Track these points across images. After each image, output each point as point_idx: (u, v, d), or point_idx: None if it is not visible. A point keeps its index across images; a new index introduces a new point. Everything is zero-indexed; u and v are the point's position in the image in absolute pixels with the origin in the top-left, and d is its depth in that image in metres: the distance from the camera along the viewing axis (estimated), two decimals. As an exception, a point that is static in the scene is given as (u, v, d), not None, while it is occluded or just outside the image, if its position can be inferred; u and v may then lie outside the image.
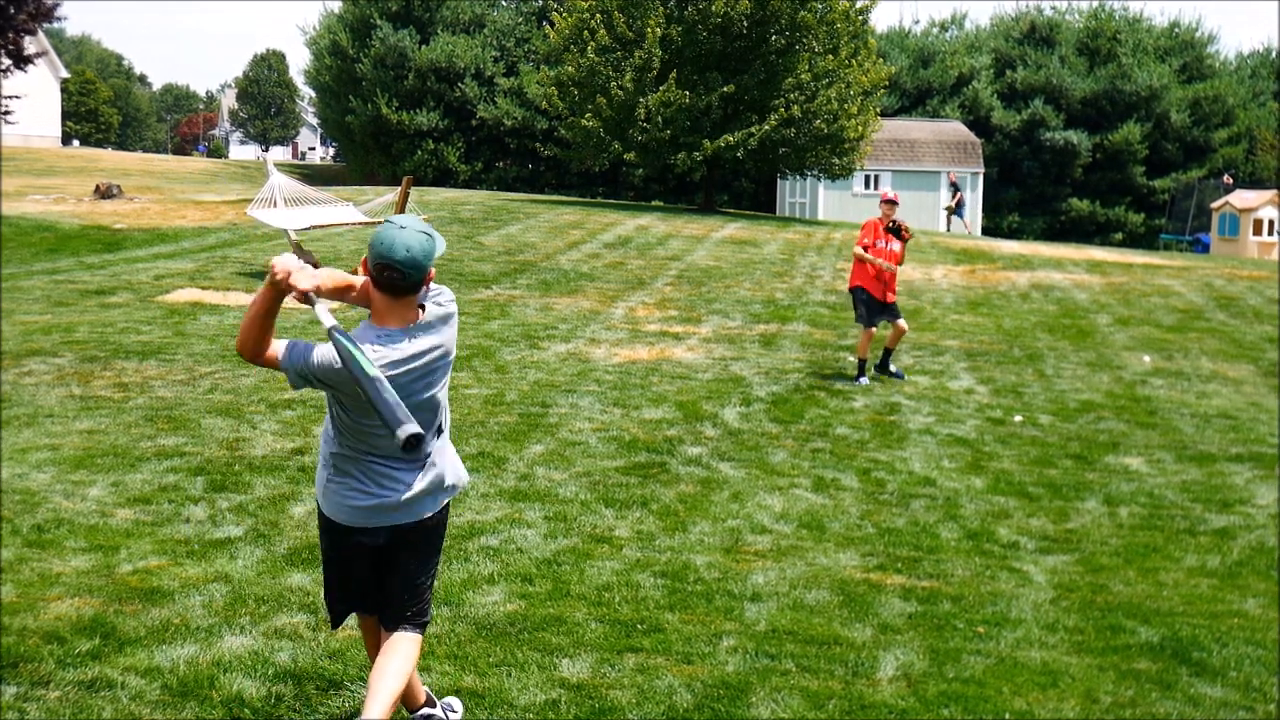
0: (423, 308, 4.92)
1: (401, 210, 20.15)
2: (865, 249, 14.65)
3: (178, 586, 7.04)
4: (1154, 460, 11.41)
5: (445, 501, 5.18)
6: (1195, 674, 6.50)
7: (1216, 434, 12.69)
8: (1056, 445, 11.81)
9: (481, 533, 8.26)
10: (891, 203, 14.93)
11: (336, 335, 4.60)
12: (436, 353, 4.94)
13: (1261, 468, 11.25)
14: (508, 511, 8.76)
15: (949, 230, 44.42)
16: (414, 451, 4.48)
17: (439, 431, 5.10)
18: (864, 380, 14.48)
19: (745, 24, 38.03)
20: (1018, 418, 12.97)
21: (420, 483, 5.03)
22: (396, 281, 4.77)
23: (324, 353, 4.74)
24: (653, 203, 50.55)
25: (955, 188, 46.55)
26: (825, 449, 11.18)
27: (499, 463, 10.03)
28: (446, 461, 5.14)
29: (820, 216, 51.14)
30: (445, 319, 4.97)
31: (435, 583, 5.57)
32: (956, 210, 45.84)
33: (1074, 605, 7.47)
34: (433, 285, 4.94)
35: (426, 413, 4.96)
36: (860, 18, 40.72)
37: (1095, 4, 71.37)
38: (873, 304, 14.69)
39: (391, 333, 4.84)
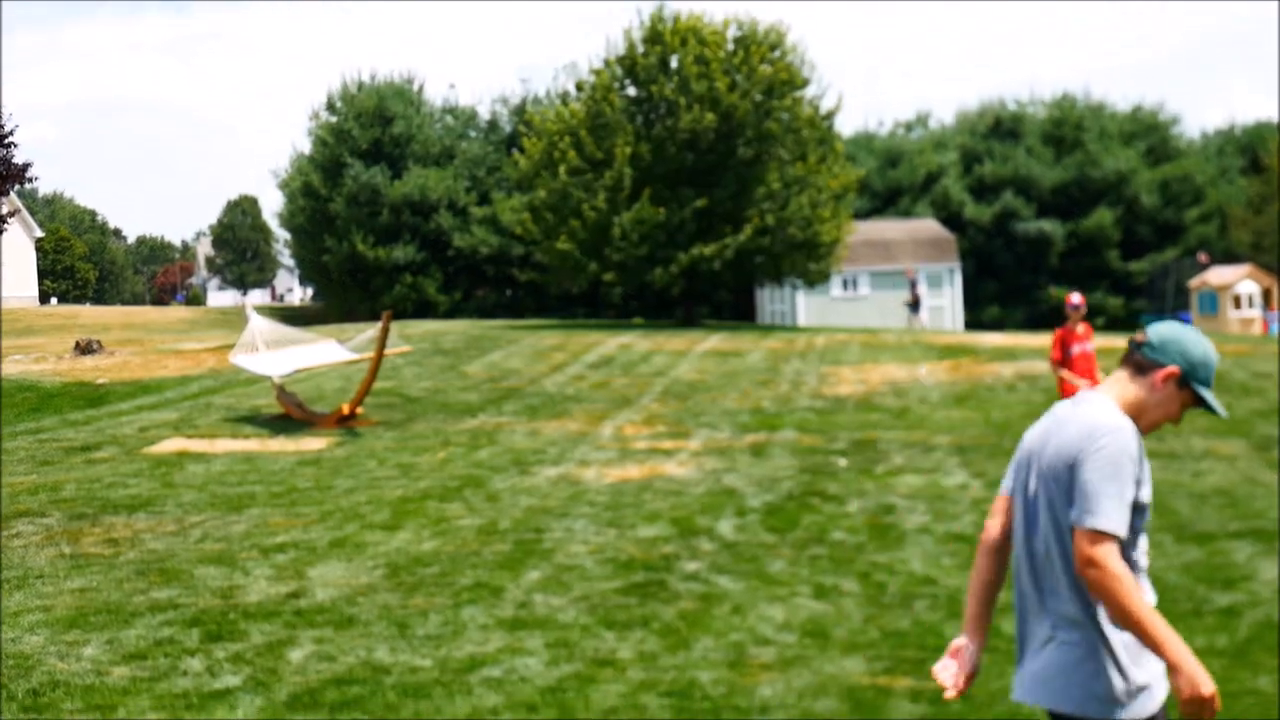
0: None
1: (383, 346, 20.15)
2: (1058, 363, 15.15)
3: (177, 742, 6.92)
4: (1154, 542, 11.34)
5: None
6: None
7: (1214, 512, 12.65)
8: (1055, 534, 11.73)
9: (483, 664, 8.15)
10: (1075, 308, 15.24)
11: None
12: (1051, 442, 3.92)
13: (1262, 543, 11.19)
14: (508, 641, 8.66)
15: (909, 326, 44.39)
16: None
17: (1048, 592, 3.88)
18: None
19: (713, 137, 38.42)
20: (1014, 509, 12.89)
21: (1029, 656, 3.95)
22: (1134, 349, 4.00)
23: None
24: (633, 320, 50.73)
25: (912, 284, 46.38)
26: (823, 555, 11.10)
27: (496, 592, 9.93)
28: (1056, 660, 3.81)
29: (801, 323, 51.37)
30: (1093, 424, 3.83)
31: None
32: (913, 306, 45.64)
33: (1086, 696, 7.37)
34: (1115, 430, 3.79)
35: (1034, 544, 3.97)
36: (825, 123, 41.16)
37: (1058, 95, 72.40)
38: None
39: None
